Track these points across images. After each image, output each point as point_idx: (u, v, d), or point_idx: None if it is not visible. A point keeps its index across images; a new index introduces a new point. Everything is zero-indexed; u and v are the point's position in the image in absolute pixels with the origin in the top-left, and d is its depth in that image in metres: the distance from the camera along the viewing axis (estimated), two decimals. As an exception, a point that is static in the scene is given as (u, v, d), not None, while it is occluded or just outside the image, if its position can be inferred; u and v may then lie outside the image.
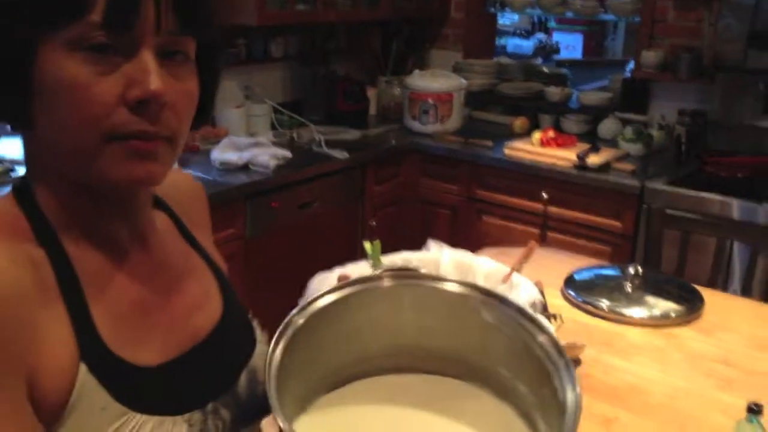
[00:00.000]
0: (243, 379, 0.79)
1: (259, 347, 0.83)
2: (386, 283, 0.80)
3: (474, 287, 0.80)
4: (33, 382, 0.61)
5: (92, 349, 0.65)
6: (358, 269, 1.33)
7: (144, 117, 0.63)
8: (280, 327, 0.71)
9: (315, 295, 0.75)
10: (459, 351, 0.82)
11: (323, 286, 1.25)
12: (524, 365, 0.77)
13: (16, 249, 0.63)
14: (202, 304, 0.79)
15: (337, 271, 1.31)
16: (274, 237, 2.50)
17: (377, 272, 0.81)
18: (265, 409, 0.78)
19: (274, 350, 0.69)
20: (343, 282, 0.78)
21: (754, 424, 1.07)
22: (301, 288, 1.28)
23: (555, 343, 0.75)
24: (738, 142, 2.74)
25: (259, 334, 0.85)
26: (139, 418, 0.66)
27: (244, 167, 2.47)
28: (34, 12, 0.61)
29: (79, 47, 0.61)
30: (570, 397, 0.69)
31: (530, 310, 0.78)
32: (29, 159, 0.70)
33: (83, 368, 0.63)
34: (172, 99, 0.64)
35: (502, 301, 0.79)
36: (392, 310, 0.81)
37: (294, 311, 0.73)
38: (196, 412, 0.72)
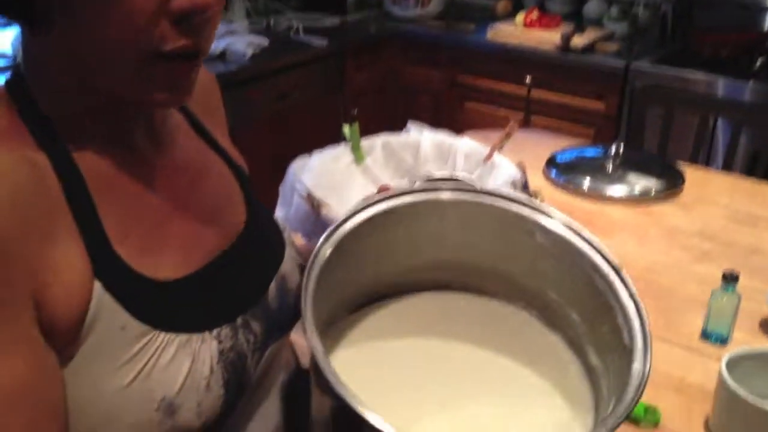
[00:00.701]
0: (273, 287, 0.73)
1: (288, 251, 0.77)
2: (434, 195, 0.73)
3: (530, 205, 0.73)
4: (42, 302, 0.55)
5: (107, 263, 0.59)
6: (338, 153, 1.32)
7: (186, 32, 0.56)
8: (325, 234, 0.64)
9: (361, 206, 0.68)
10: (507, 270, 0.76)
11: (302, 171, 1.25)
12: (581, 294, 0.71)
13: (14, 153, 0.56)
14: (224, 208, 0.73)
15: (316, 155, 1.30)
16: (253, 127, 2.47)
17: (427, 182, 0.73)
18: (296, 319, 0.75)
19: (317, 254, 0.62)
20: (387, 193, 0.71)
21: (729, 292, 1.10)
22: (282, 176, 1.27)
23: (625, 282, 0.68)
24: (723, 19, 2.68)
25: (287, 237, 0.79)
26: (164, 336, 0.61)
27: (220, 56, 2.41)
28: None
29: None
30: (638, 354, 0.63)
31: (598, 243, 0.71)
32: (34, 61, 0.61)
33: (98, 286, 0.58)
34: (216, 11, 0.57)
35: (563, 223, 0.71)
36: (438, 225, 0.74)
37: (338, 222, 0.66)
38: (225, 327, 0.67)
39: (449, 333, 0.75)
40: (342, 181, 1.27)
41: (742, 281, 1.10)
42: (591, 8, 2.95)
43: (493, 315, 0.77)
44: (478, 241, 0.76)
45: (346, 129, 1.31)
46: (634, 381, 0.60)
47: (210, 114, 0.79)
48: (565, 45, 2.59)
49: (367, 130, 1.34)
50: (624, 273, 0.69)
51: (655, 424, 0.95)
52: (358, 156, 1.32)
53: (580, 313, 0.72)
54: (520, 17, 2.77)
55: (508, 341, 0.74)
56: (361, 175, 1.32)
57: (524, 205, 0.73)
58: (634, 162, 1.67)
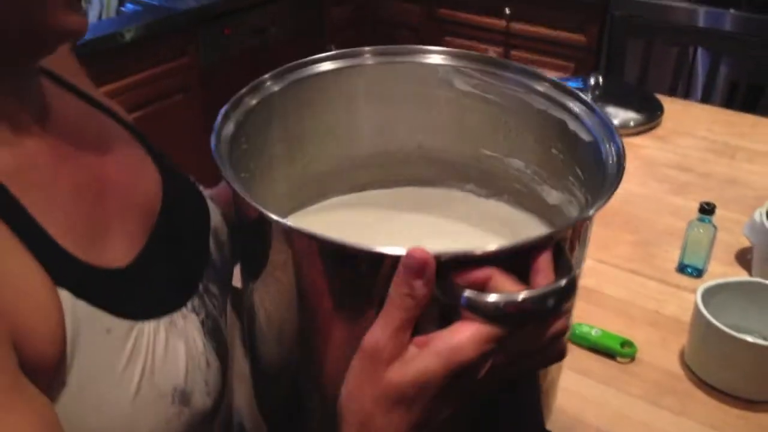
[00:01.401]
0: (212, 244, 0.70)
1: (210, 203, 0.73)
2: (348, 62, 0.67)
3: (447, 53, 0.67)
4: (18, 340, 0.48)
5: (62, 267, 0.52)
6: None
7: None
8: (230, 102, 0.61)
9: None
10: (432, 147, 0.71)
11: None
12: (521, 129, 0.65)
13: None
14: (139, 171, 0.67)
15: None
16: (231, 65, 2.41)
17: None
18: (232, 270, 0.72)
19: (222, 125, 0.58)
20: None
21: (706, 223, 1.10)
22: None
23: (560, 86, 0.63)
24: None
25: (202, 188, 0.75)
26: (149, 325, 0.57)
27: (191, -9, 2.33)
28: None
29: None
30: (596, 133, 0.59)
31: (519, 64, 0.65)
32: None
33: (64, 294, 0.51)
34: None
35: (480, 61, 0.65)
36: (343, 108, 0.69)
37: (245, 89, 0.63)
38: (194, 297, 0.64)
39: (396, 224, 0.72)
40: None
41: (719, 213, 1.10)
42: (572, -64, 2.88)
43: (436, 201, 0.73)
44: (393, 116, 0.70)
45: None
46: (612, 158, 0.57)
47: (67, 68, 0.70)
48: (545, -25, 2.53)
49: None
50: (556, 79, 0.65)
51: (632, 357, 0.96)
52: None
53: (522, 156, 0.67)
54: (499, -54, 2.69)
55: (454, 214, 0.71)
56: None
57: (439, 53, 0.68)
58: (613, 94, 1.65)
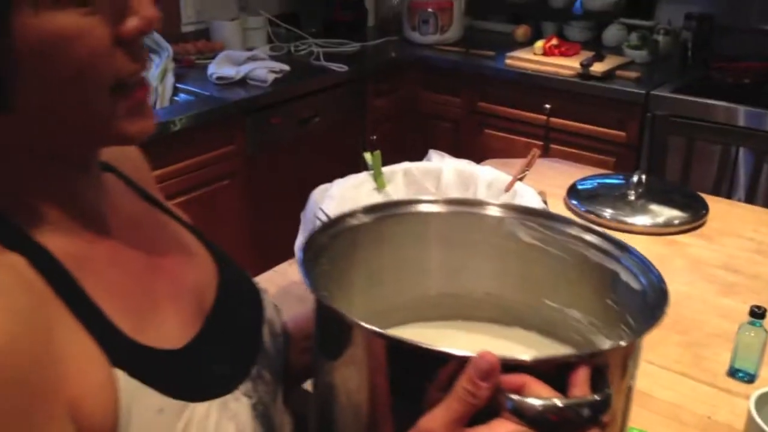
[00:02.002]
0: (266, 333, 0.73)
1: (264, 295, 0.77)
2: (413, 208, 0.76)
3: (510, 207, 0.75)
4: (76, 416, 0.51)
5: (118, 347, 0.55)
6: (359, 180, 1.32)
7: (136, 56, 0.56)
8: (323, 224, 0.68)
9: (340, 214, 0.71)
10: (498, 292, 0.78)
11: (324, 198, 1.25)
12: (580, 281, 0.72)
13: None
14: (196, 263, 0.71)
15: (337, 183, 1.30)
16: (276, 153, 2.48)
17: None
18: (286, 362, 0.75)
19: (311, 243, 0.65)
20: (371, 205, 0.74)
21: (758, 327, 1.08)
22: (303, 203, 1.27)
23: (608, 237, 0.70)
24: (745, 47, 2.68)
25: (257, 281, 0.79)
26: (201, 407, 0.59)
27: (242, 82, 2.42)
28: None
29: None
30: (645, 280, 0.66)
31: (572, 220, 0.73)
32: None
33: (120, 374, 0.54)
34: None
35: (540, 214, 0.74)
36: (418, 248, 0.76)
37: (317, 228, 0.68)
38: (246, 381, 0.66)
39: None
40: (363, 209, 1.27)
41: (769, 316, 1.08)
42: (610, 36, 2.95)
43: (493, 336, 0.78)
44: (458, 261, 0.77)
45: (368, 156, 1.31)
46: (657, 297, 0.62)
47: (142, 177, 0.76)
48: (586, 71, 2.58)
49: (387, 156, 1.33)
50: (607, 233, 0.71)
51: (683, 463, 0.93)
52: (380, 183, 1.32)
53: (580, 306, 0.72)
54: (539, 44, 2.77)
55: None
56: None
57: (498, 207, 0.76)
58: (656, 192, 1.66)
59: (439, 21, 3.00)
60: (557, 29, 3.10)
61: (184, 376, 0.60)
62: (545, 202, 1.41)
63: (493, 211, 0.76)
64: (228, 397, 0.62)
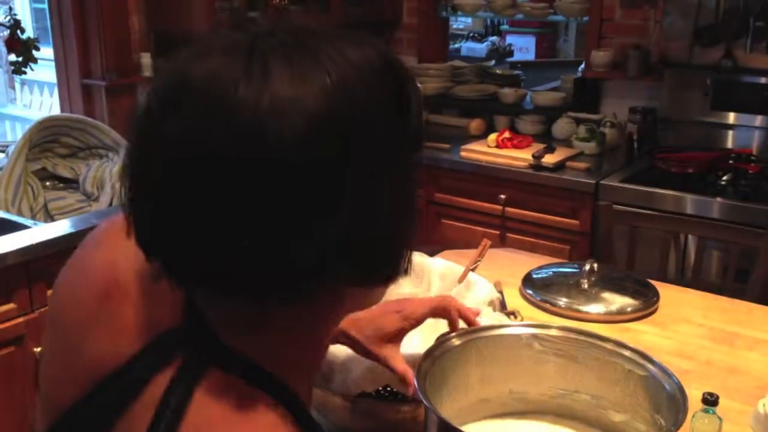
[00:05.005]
0: None
1: None
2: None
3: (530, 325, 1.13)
4: None
5: None
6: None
7: None
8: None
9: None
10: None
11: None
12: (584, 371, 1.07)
13: None
14: None
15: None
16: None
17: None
18: None
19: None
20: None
21: (710, 414, 1.09)
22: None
23: (640, 352, 1.04)
24: (688, 138, 2.80)
25: None
26: None
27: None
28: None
29: None
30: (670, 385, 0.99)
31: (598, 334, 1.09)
32: (270, 339, 0.60)
33: None
34: None
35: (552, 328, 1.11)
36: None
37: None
38: None
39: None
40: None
41: (723, 403, 1.10)
42: (559, 129, 3.06)
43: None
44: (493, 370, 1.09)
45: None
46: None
47: None
48: (537, 162, 2.67)
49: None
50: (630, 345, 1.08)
51: None
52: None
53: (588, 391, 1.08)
54: (492, 137, 2.86)
55: None
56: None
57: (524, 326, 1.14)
58: (608, 279, 1.69)
59: (395, 116, 3.08)
60: (509, 123, 3.21)
61: None
62: (501, 293, 1.43)
63: (513, 330, 1.11)
64: None
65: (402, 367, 1.01)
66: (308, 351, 0.63)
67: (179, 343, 0.58)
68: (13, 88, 5.03)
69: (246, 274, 0.54)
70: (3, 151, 2.44)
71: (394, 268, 0.60)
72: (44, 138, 2.42)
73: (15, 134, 4.86)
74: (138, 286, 0.62)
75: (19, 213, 2.23)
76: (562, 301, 1.60)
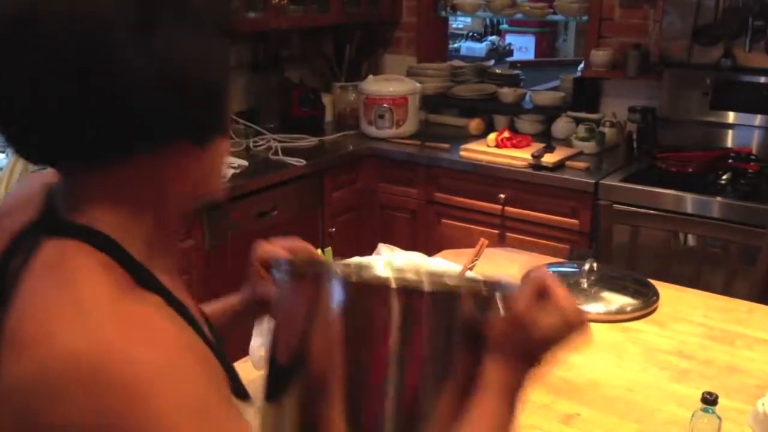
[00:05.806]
0: None
1: None
2: None
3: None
4: None
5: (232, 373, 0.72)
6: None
7: None
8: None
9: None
10: None
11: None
12: None
13: (159, 309, 0.63)
14: None
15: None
16: (234, 247, 2.47)
17: None
18: None
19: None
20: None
21: (710, 413, 1.09)
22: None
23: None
24: (687, 137, 2.80)
25: None
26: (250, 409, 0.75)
27: (199, 178, 2.44)
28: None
29: None
30: None
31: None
32: (115, 206, 0.66)
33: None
34: None
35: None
36: None
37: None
38: None
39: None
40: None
41: (722, 402, 1.10)
42: (559, 128, 3.06)
43: None
44: None
45: (320, 253, 1.32)
46: None
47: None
48: (537, 162, 2.67)
49: (345, 248, 1.35)
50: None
51: None
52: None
53: None
54: (492, 137, 2.86)
55: None
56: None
57: None
58: (607, 279, 1.69)
59: (395, 115, 3.08)
60: (509, 122, 3.21)
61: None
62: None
63: None
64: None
65: None
66: (146, 217, 0.67)
67: (28, 231, 0.66)
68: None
69: (71, 128, 0.61)
70: (3, 152, 2.44)
71: (217, 120, 0.67)
72: (44, 138, 2.41)
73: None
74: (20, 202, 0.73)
75: (19, 213, 2.22)
76: (562, 301, 1.60)
